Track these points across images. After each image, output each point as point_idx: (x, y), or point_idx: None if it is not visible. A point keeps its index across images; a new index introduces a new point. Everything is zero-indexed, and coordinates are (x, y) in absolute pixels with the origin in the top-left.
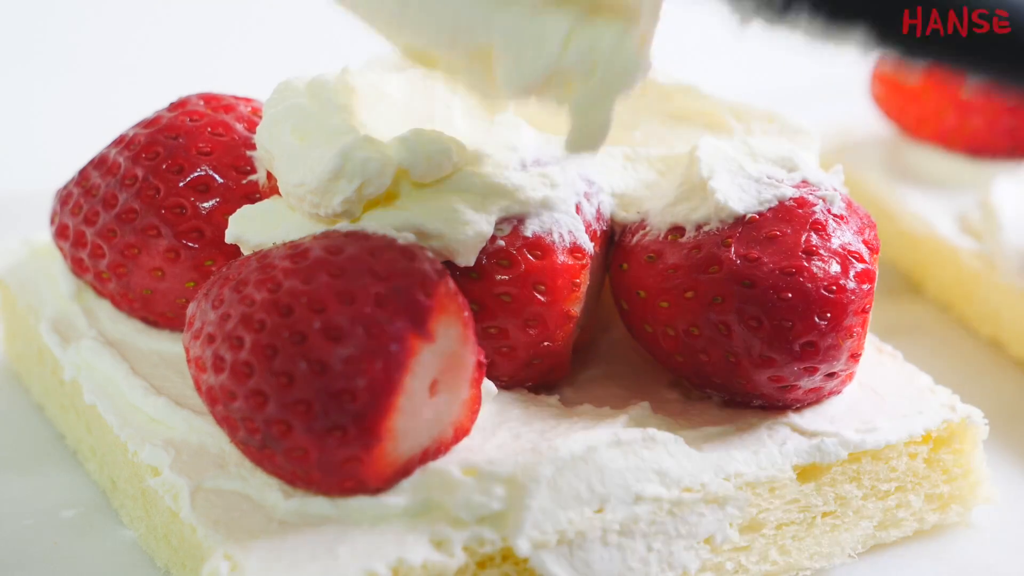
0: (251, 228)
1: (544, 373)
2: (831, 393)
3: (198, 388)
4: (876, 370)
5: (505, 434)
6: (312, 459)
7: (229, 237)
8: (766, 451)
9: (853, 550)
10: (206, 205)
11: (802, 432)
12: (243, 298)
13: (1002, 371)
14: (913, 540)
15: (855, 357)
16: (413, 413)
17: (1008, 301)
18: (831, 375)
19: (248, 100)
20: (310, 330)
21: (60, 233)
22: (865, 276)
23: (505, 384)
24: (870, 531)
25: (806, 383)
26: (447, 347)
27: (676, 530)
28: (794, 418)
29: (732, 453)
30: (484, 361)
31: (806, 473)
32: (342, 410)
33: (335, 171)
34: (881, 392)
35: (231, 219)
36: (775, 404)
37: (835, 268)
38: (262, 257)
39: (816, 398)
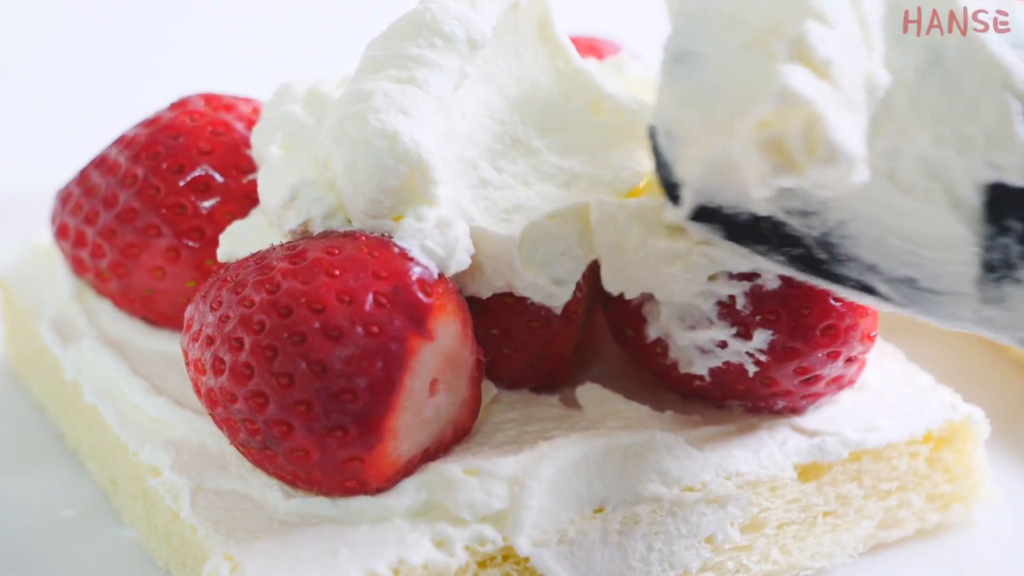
0: (241, 244)
1: (546, 374)
2: (849, 383)
3: (197, 391)
4: (877, 369)
5: (506, 434)
6: (313, 459)
7: (221, 256)
8: (767, 450)
9: (854, 550)
10: (207, 204)
11: (803, 431)
12: (242, 299)
13: (1003, 370)
14: (914, 539)
15: (871, 338)
16: (414, 412)
17: None
18: (851, 360)
19: (249, 100)
20: (310, 330)
21: (61, 233)
22: None
23: (507, 385)
24: (871, 531)
25: (829, 371)
26: (447, 346)
27: (677, 529)
28: (795, 418)
29: (733, 452)
30: (484, 360)
31: (807, 472)
32: (343, 410)
33: (285, 201)
34: (882, 391)
35: (221, 237)
36: (798, 403)
37: None
38: (260, 258)
39: (837, 388)
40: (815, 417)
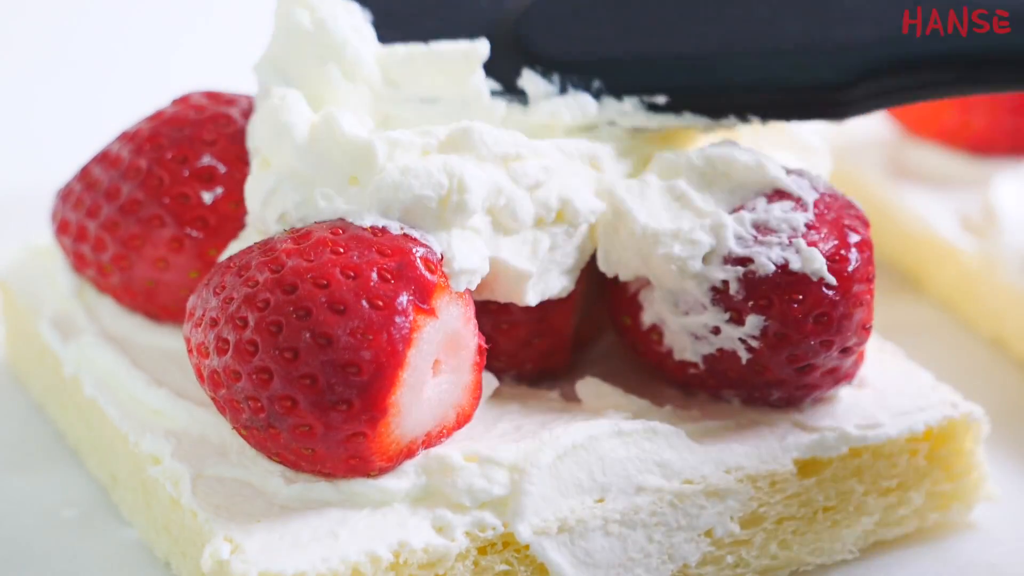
0: None
1: (544, 354)
2: (846, 376)
3: (199, 376)
4: (877, 367)
5: (506, 425)
6: (317, 435)
7: None
8: (767, 445)
9: (854, 546)
10: (210, 194)
11: (803, 427)
12: (246, 280)
13: (1003, 369)
14: (914, 537)
15: (866, 330)
16: (417, 389)
17: (1009, 300)
18: (846, 351)
19: (250, 96)
20: (315, 304)
21: (61, 229)
22: (864, 245)
23: (504, 365)
24: (871, 527)
25: (823, 361)
26: (449, 325)
27: (677, 522)
28: (795, 413)
29: (733, 446)
30: (486, 347)
31: (807, 467)
32: (347, 383)
33: (265, 198)
34: (882, 388)
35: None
36: (794, 394)
37: (834, 240)
38: (264, 243)
39: (834, 381)
40: (815, 413)
